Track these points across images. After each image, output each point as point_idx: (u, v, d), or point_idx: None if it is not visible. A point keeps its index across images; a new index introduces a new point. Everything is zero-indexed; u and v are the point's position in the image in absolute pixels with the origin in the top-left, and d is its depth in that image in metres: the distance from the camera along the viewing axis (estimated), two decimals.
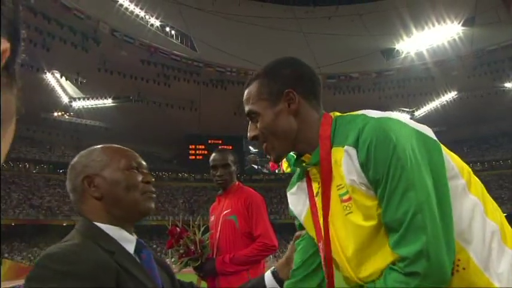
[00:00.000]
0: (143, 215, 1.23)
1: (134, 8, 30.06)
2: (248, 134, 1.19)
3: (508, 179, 39.96)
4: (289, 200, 1.31)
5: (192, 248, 2.66)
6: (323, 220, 1.13)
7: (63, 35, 26.51)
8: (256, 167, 41.63)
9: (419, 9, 31.83)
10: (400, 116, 1.08)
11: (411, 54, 35.42)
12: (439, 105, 39.15)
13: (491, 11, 29.39)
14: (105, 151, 1.23)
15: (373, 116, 1.06)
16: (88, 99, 35.34)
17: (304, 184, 1.23)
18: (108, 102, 35.60)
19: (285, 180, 33.83)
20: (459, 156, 1.17)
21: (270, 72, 1.17)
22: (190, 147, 41.91)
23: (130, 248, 1.16)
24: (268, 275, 1.40)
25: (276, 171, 35.33)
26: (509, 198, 37.66)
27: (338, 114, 1.17)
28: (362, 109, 1.13)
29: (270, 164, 27.78)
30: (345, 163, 1.03)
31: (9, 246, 30.94)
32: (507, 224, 1.10)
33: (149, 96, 35.24)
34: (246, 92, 1.19)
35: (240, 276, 2.63)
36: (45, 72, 29.92)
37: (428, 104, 39.83)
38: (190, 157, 41.93)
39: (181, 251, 2.67)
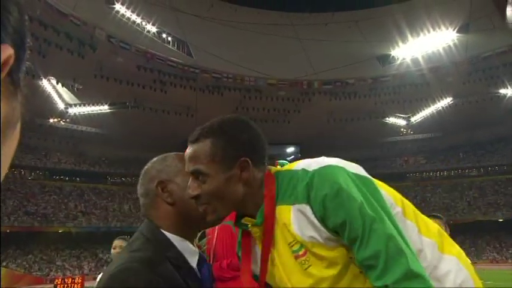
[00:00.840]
0: (214, 223, 1.25)
1: (130, 15, 30.17)
2: (189, 192, 1.12)
3: (503, 184, 40.10)
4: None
5: None
6: (261, 277, 1.15)
7: (59, 41, 26.57)
8: None
9: (414, 16, 32.12)
10: (334, 159, 1.11)
11: (407, 61, 35.68)
12: (434, 111, 39.33)
13: (486, 18, 29.70)
14: (179, 158, 1.26)
15: (313, 168, 1.07)
16: (84, 106, 35.26)
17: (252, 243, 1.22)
18: (105, 108, 35.53)
19: None
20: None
21: (225, 134, 1.11)
22: None
23: (193, 261, 1.18)
24: None
25: None
26: (505, 203, 37.75)
27: (275, 169, 1.17)
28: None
29: None
30: (296, 222, 1.05)
31: (3, 253, 30.67)
32: (444, 233, 1.17)
33: (145, 103, 35.25)
34: (194, 149, 1.11)
35: (238, 282, 2.62)
36: (41, 79, 29.86)
37: (423, 109, 40.01)
38: None
39: None
